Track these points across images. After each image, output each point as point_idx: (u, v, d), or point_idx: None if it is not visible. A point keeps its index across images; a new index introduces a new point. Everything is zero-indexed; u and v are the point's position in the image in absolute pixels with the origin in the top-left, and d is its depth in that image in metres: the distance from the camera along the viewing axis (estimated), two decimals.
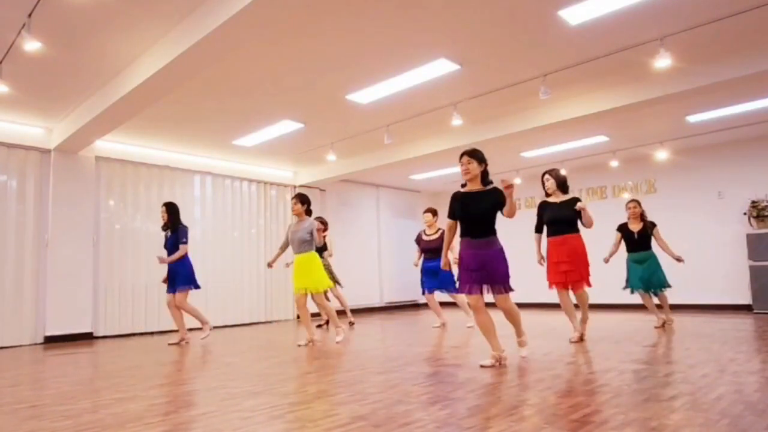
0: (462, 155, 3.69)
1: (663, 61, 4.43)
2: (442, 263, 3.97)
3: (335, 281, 6.93)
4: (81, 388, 3.38)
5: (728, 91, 5.68)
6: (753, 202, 7.58)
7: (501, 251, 3.68)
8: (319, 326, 7.08)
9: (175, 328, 6.01)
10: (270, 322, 8.54)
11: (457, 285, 3.79)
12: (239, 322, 8.16)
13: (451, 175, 9.98)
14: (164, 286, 5.82)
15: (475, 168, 3.65)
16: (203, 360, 4.53)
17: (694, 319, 6.64)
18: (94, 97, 5.33)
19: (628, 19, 4.17)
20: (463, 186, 3.78)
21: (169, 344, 5.72)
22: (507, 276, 3.66)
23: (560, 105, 6.05)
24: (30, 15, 3.71)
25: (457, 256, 3.94)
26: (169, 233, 5.77)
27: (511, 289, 3.68)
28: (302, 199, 5.30)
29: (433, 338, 5.50)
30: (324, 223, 6.77)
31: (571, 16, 4.09)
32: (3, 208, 6.11)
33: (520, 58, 4.87)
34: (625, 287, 5.94)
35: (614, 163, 8.48)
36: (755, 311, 7.33)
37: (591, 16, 4.09)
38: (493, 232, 3.67)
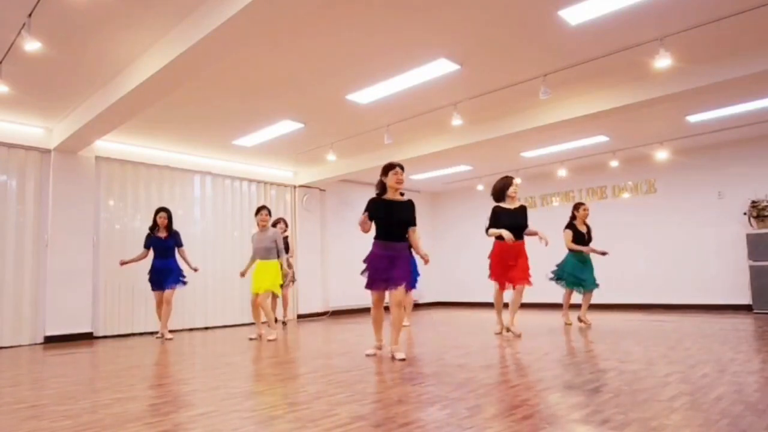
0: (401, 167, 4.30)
1: (663, 61, 4.43)
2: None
3: (293, 280, 7.79)
4: (81, 388, 3.38)
5: (728, 91, 5.68)
6: (753, 202, 7.58)
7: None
8: (285, 323, 7.72)
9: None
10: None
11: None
12: (239, 322, 8.15)
13: (451, 175, 9.98)
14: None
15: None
16: (203, 360, 4.53)
17: (694, 319, 6.65)
18: (94, 97, 5.33)
19: (628, 19, 4.17)
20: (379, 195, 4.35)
21: (164, 339, 6.25)
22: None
23: (560, 105, 6.04)
24: (30, 15, 3.71)
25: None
26: (165, 237, 6.33)
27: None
28: (269, 212, 6.07)
29: (433, 338, 5.50)
30: (286, 224, 7.42)
31: (571, 16, 4.08)
32: (3, 208, 6.11)
33: (520, 58, 4.87)
34: (557, 280, 6.32)
35: (614, 163, 8.48)
36: (755, 311, 7.32)
37: (591, 16, 4.08)
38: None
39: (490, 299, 9.62)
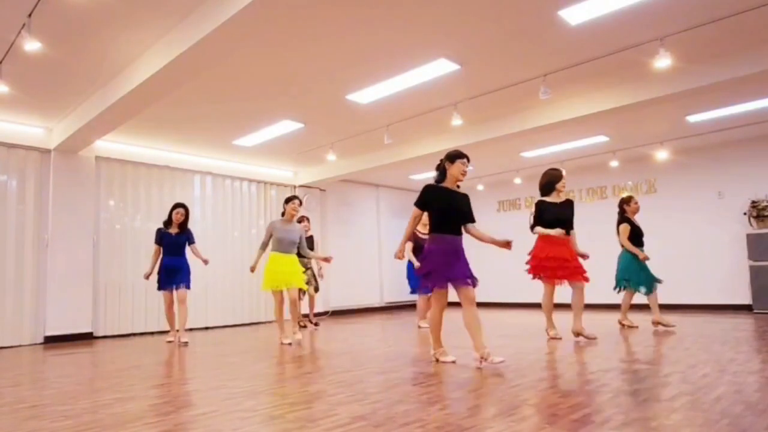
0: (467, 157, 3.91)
1: (663, 61, 4.43)
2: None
3: (317, 287, 7.28)
4: (81, 388, 3.38)
5: (728, 91, 5.68)
6: (753, 202, 7.58)
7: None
8: (305, 326, 7.06)
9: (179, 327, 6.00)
10: (270, 322, 8.53)
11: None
12: (239, 322, 8.16)
13: None
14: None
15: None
16: (203, 360, 4.53)
17: (694, 319, 6.64)
18: (94, 97, 5.33)
19: (628, 19, 4.17)
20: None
21: (180, 343, 5.67)
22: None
23: (560, 105, 6.04)
24: (30, 15, 3.71)
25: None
26: (176, 233, 5.87)
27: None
28: (301, 203, 5.56)
29: None
30: (310, 222, 7.15)
31: (571, 16, 4.08)
32: (3, 208, 6.10)
33: (520, 58, 4.87)
34: (621, 287, 5.80)
35: (614, 163, 8.48)
36: (755, 311, 7.32)
37: (591, 16, 4.08)
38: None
39: (491, 299, 9.54)
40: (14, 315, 6.03)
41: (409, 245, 6.22)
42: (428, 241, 3.91)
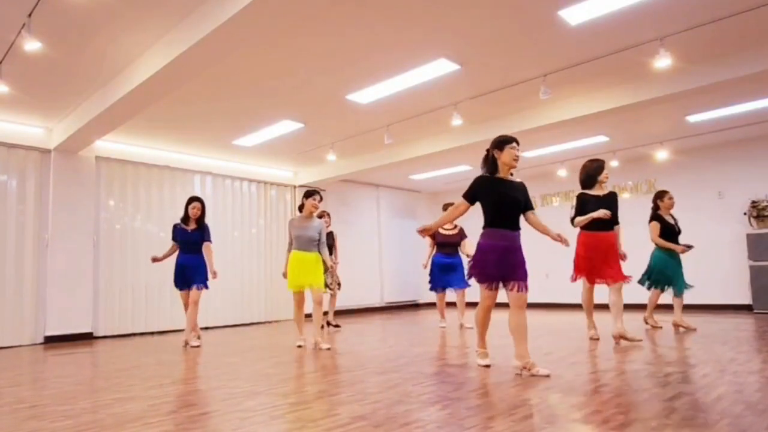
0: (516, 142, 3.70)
1: (663, 61, 4.43)
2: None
3: (338, 285, 7.04)
4: (81, 388, 3.38)
5: (728, 91, 5.68)
6: (753, 202, 7.58)
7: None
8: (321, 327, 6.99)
9: (181, 327, 5.94)
10: (270, 322, 8.54)
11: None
12: (239, 322, 8.16)
13: (451, 175, 9.98)
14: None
15: None
16: (203, 360, 4.53)
17: (694, 319, 6.64)
18: (94, 97, 5.33)
19: (628, 19, 4.17)
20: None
21: (189, 346, 5.44)
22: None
23: (560, 105, 6.04)
24: (30, 15, 3.71)
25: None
26: (193, 229, 5.54)
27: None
28: (321, 198, 5.25)
29: (434, 338, 5.50)
30: (330, 218, 6.93)
31: (571, 16, 4.08)
32: (3, 208, 6.10)
33: (520, 58, 4.87)
34: (648, 284, 5.69)
35: (614, 163, 8.47)
36: (755, 311, 7.32)
37: (591, 16, 4.08)
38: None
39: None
40: (14, 315, 6.03)
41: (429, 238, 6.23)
42: (481, 235, 3.57)
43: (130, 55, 4.53)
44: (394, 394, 2.89)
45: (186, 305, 5.52)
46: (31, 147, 6.30)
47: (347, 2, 3.77)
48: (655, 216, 5.59)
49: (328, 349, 4.90)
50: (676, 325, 5.54)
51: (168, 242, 5.75)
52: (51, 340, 6.14)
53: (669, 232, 5.52)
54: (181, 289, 5.51)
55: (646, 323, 5.86)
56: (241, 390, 3.16)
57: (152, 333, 7.04)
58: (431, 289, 6.57)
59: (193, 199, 5.59)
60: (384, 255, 10.78)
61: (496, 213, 3.52)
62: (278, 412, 2.59)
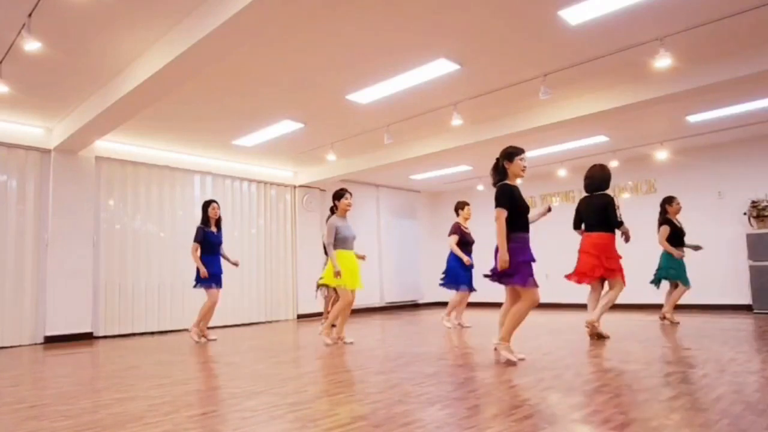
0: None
1: (663, 61, 4.43)
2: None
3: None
4: (81, 388, 3.38)
5: (728, 91, 5.68)
6: (753, 202, 7.58)
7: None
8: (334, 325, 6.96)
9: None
10: (270, 322, 8.54)
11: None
12: (239, 322, 8.16)
13: (451, 175, 9.99)
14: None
15: None
16: (203, 360, 4.53)
17: (694, 319, 6.64)
18: (94, 97, 5.33)
19: (628, 19, 4.17)
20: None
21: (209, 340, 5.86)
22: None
23: (560, 105, 6.05)
24: (30, 15, 3.71)
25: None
26: (217, 231, 5.84)
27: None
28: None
29: (434, 338, 5.50)
30: None
31: (571, 16, 4.08)
32: (3, 208, 6.10)
33: (520, 58, 4.87)
34: (659, 282, 6.07)
35: (614, 163, 8.46)
36: (755, 311, 7.32)
37: (591, 16, 4.08)
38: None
39: (491, 299, 9.57)
40: (14, 315, 6.03)
41: (454, 238, 6.39)
42: (510, 240, 3.72)
43: (131, 54, 4.53)
44: (394, 394, 2.89)
45: (215, 303, 5.73)
46: (31, 147, 6.30)
47: (347, 2, 3.77)
48: (666, 220, 5.97)
49: (352, 343, 5.22)
50: (662, 317, 6.05)
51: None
52: (51, 340, 6.14)
53: (677, 234, 5.94)
54: (216, 289, 5.72)
55: (664, 318, 6.09)
56: (241, 390, 3.16)
57: (152, 333, 7.04)
58: (457, 288, 6.41)
59: (211, 201, 5.89)
60: (384, 255, 10.78)
61: (519, 218, 3.81)
62: (278, 412, 2.59)
